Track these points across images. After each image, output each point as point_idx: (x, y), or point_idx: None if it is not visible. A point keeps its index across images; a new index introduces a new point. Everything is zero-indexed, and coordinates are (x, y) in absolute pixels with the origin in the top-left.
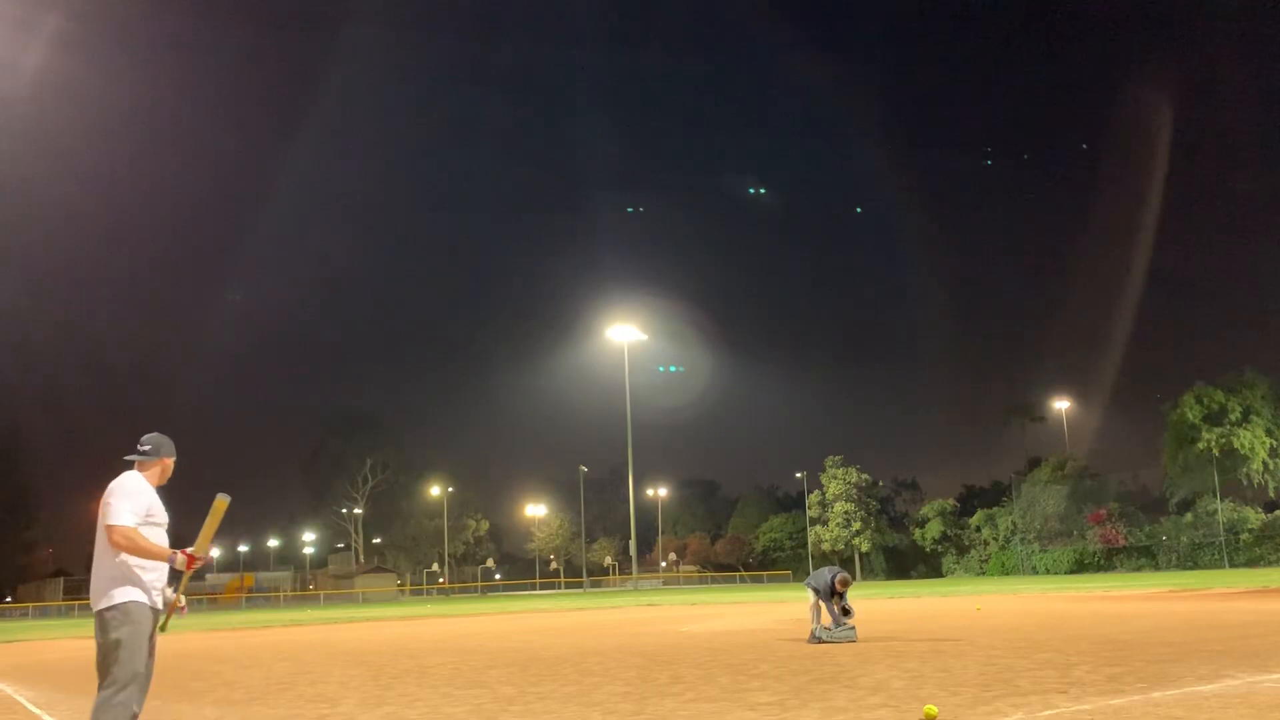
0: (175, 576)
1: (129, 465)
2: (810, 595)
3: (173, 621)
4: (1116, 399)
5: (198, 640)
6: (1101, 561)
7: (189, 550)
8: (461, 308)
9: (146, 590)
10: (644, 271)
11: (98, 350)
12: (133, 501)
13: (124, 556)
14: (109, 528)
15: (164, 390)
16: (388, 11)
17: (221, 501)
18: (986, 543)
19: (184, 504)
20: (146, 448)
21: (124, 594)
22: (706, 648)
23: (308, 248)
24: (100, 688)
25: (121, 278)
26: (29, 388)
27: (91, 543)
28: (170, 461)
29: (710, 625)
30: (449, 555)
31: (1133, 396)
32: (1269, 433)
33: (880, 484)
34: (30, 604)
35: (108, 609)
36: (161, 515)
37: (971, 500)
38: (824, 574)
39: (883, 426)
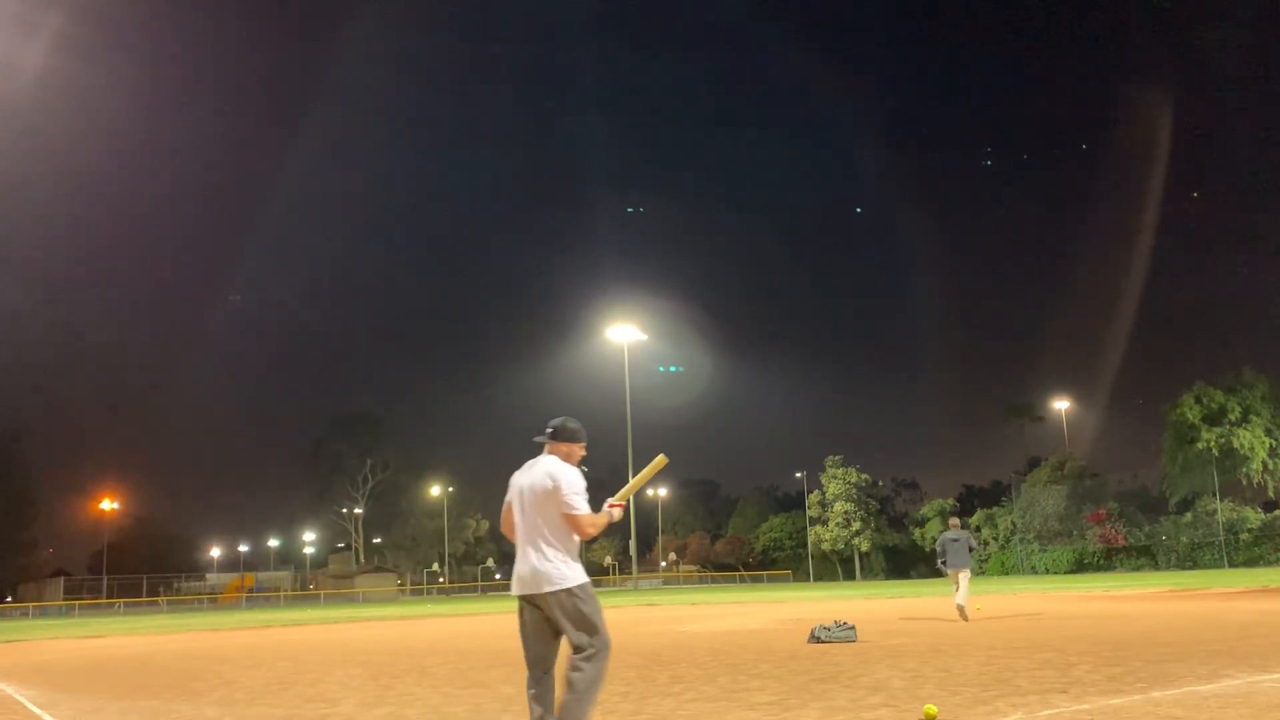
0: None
1: (539, 448)
2: (953, 575)
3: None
4: (1116, 399)
5: (198, 640)
6: (1101, 561)
7: (615, 501)
8: (462, 307)
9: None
10: (644, 271)
11: (98, 352)
12: (581, 486)
13: (575, 538)
14: (578, 519)
15: (164, 390)
16: (388, 11)
17: (662, 459)
18: (986, 543)
19: (186, 501)
20: (550, 430)
21: (584, 575)
22: (706, 648)
23: (308, 248)
24: (577, 651)
25: (122, 278)
26: (29, 389)
27: (88, 538)
28: (578, 448)
29: (710, 625)
30: (449, 555)
31: (1133, 396)
32: (1269, 433)
33: (880, 484)
34: (30, 604)
35: (577, 587)
36: None
37: (971, 500)
38: (958, 547)
39: (883, 426)
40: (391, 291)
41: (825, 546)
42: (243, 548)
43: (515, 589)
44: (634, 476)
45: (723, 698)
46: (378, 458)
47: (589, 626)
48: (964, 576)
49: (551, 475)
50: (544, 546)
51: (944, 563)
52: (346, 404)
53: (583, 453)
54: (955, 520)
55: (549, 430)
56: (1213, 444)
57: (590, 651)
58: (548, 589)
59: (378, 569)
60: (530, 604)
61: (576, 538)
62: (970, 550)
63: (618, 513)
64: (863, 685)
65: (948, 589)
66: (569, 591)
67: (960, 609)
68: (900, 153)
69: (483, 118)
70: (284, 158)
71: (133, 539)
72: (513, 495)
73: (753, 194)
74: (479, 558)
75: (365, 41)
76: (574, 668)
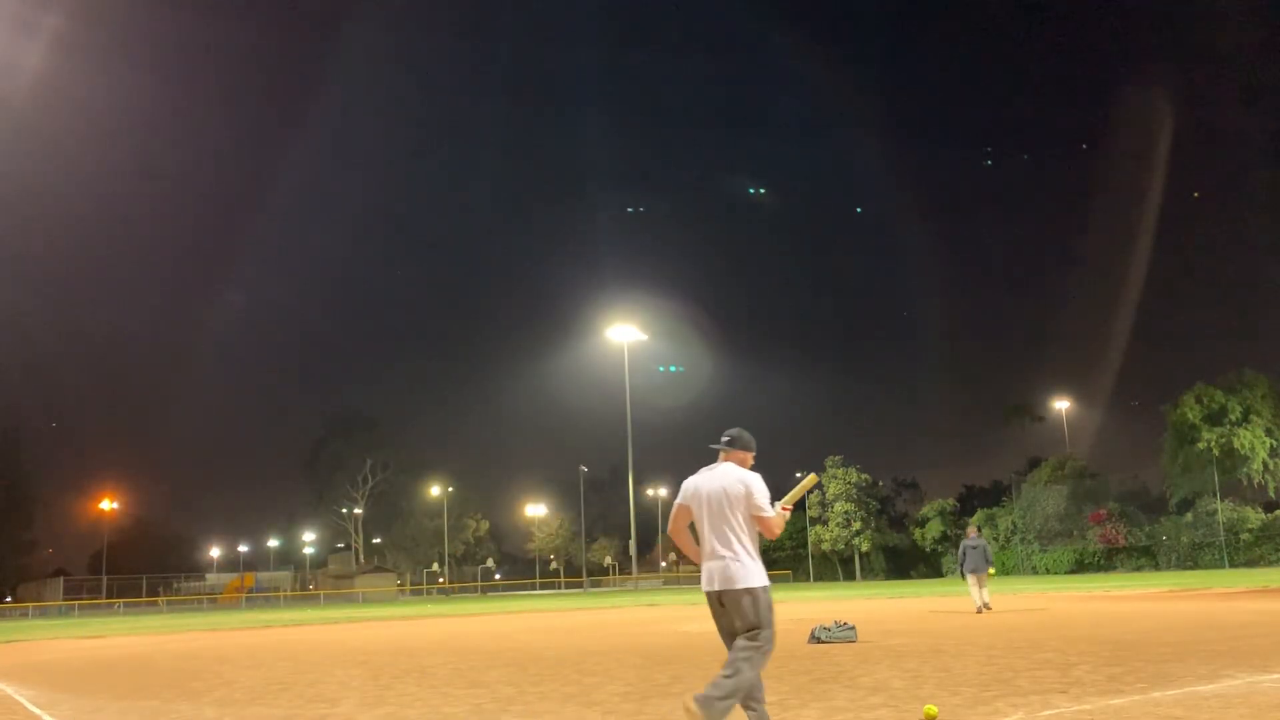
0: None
1: (714, 455)
2: (970, 579)
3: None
4: (1116, 399)
5: (198, 640)
6: (1101, 561)
7: (785, 504)
8: (462, 307)
9: None
10: (644, 271)
11: (98, 350)
12: (767, 492)
13: (758, 537)
14: (770, 521)
15: (164, 390)
16: (387, 11)
17: (813, 478)
18: (987, 542)
19: (186, 501)
20: (727, 439)
21: (765, 577)
22: (706, 648)
23: (308, 248)
24: (747, 638)
25: (122, 278)
26: (29, 388)
27: (88, 538)
28: (750, 456)
29: (710, 625)
30: (449, 555)
31: (1133, 396)
32: (1269, 433)
33: (880, 484)
34: (30, 604)
35: (761, 588)
36: None
37: (971, 500)
38: (975, 554)
39: (883, 426)
40: (391, 291)
41: (825, 546)
42: (243, 548)
43: (706, 585)
44: (797, 487)
45: None
46: (378, 458)
47: (760, 623)
48: (982, 580)
49: (744, 481)
50: (734, 546)
51: (963, 566)
52: (346, 404)
53: (753, 460)
54: (973, 529)
55: (726, 439)
56: (1213, 444)
57: (755, 645)
58: (734, 586)
59: (377, 569)
60: (720, 599)
61: (758, 536)
62: (987, 558)
63: (787, 514)
64: (863, 685)
65: (948, 588)
66: (750, 591)
67: (978, 608)
68: (901, 153)
69: (482, 117)
70: (284, 157)
71: (132, 539)
72: (692, 499)
73: (753, 194)
74: (479, 558)
75: (365, 41)
76: (738, 653)
